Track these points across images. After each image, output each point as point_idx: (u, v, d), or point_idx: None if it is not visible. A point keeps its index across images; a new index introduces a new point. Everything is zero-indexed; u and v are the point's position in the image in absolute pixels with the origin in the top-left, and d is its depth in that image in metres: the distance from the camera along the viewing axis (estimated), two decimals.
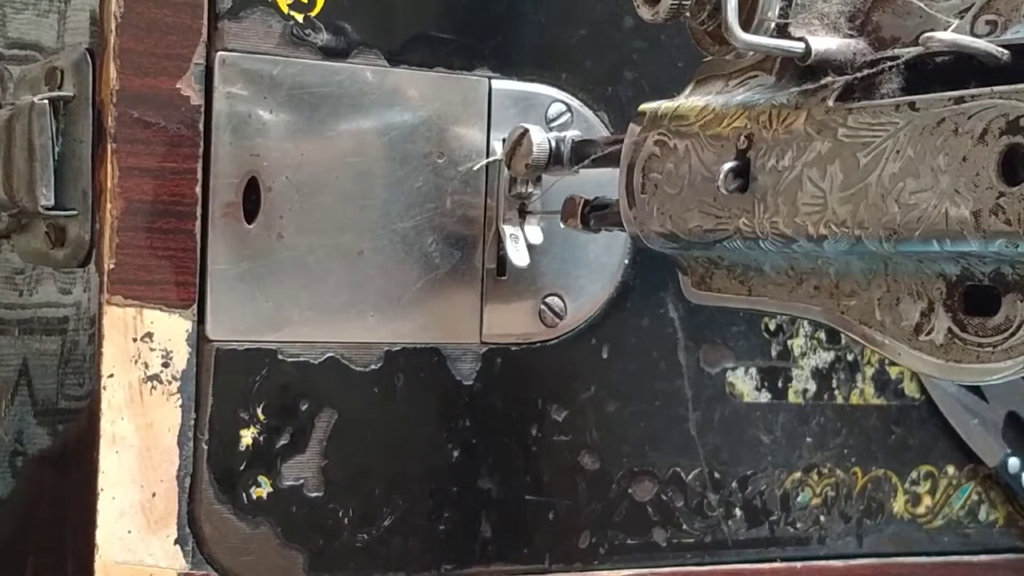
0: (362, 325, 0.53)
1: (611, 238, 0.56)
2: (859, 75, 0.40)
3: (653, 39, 0.57)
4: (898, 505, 0.65)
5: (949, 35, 0.37)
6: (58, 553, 0.53)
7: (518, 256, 0.53)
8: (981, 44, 0.36)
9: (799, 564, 0.62)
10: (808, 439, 0.62)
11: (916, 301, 0.38)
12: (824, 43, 0.40)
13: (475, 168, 0.54)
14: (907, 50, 0.39)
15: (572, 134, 0.52)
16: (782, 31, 0.40)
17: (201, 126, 0.50)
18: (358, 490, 0.54)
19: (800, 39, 0.40)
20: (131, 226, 0.49)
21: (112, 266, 0.49)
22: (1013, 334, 0.35)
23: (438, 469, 0.55)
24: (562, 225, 0.52)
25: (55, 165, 0.51)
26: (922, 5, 0.39)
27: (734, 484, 0.61)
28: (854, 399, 0.63)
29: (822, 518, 0.63)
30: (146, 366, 0.50)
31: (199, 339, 0.51)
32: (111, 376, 0.49)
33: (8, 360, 0.59)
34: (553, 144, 0.51)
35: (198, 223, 0.50)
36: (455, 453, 0.55)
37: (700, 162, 0.44)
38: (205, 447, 0.51)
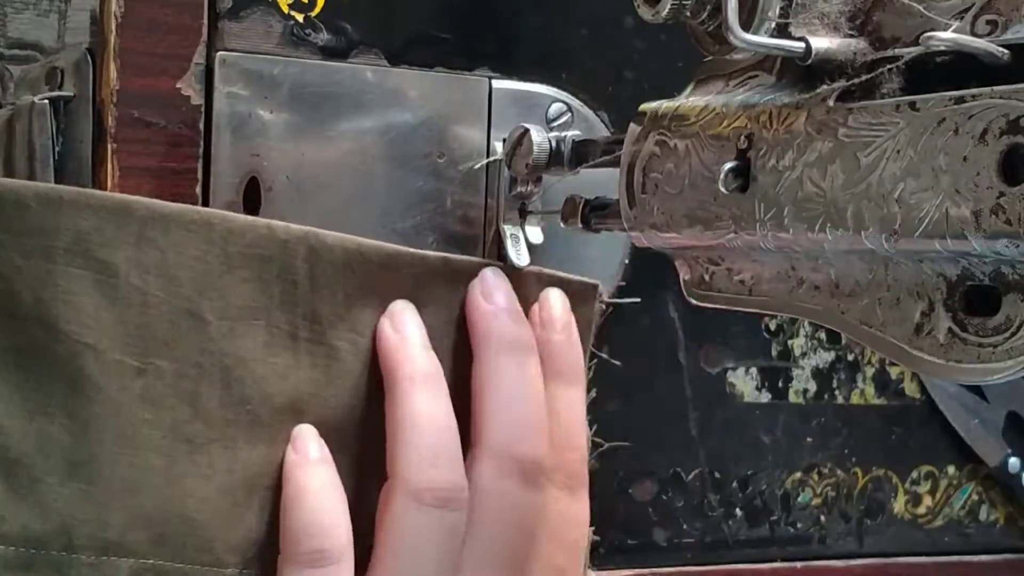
0: None
1: (611, 238, 0.56)
2: (860, 79, 0.40)
3: (653, 39, 0.57)
4: (898, 505, 0.65)
5: (950, 35, 0.37)
6: None
7: (518, 256, 0.53)
8: (981, 44, 0.36)
9: (799, 564, 0.62)
10: (808, 439, 0.62)
11: (916, 301, 0.38)
12: (824, 43, 0.40)
13: (475, 167, 0.54)
14: (907, 50, 0.39)
15: (573, 134, 0.52)
16: (782, 31, 0.40)
17: (201, 126, 0.50)
18: None
19: (800, 39, 0.40)
20: None
21: None
22: (1014, 334, 0.35)
23: None
24: (562, 225, 0.52)
25: (55, 165, 0.51)
26: (921, 9, 0.39)
27: (734, 484, 0.61)
28: (855, 399, 0.63)
29: (822, 518, 0.63)
30: None
31: None
32: None
33: None
34: (554, 144, 0.51)
35: None
36: None
37: (700, 162, 0.44)
38: None
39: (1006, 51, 0.36)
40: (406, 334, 0.49)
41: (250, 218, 0.48)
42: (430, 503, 0.48)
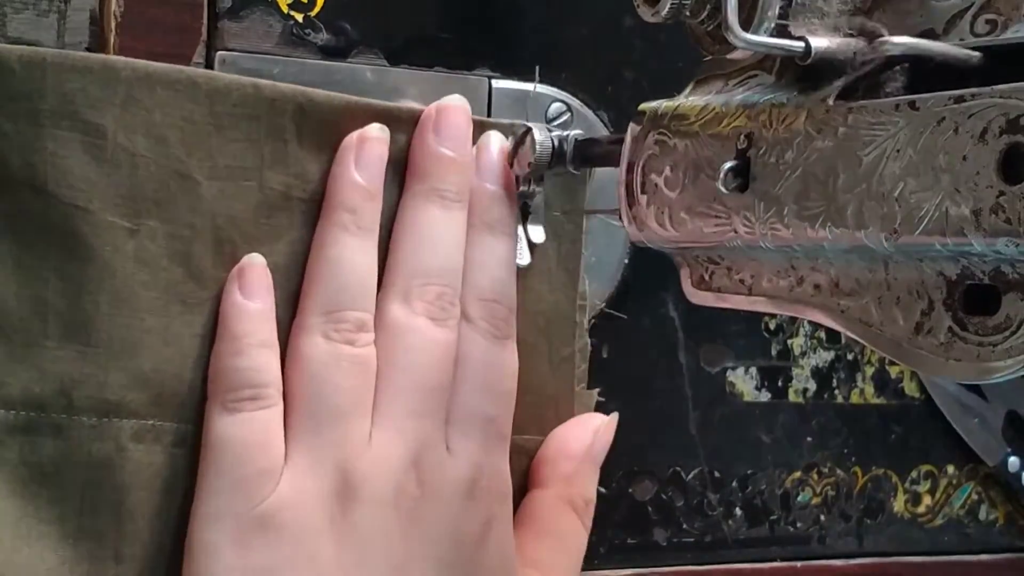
0: None
1: (611, 238, 0.56)
2: (857, 75, 0.40)
3: (653, 39, 0.57)
4: (898, 504, 0.65)
5: (907, 39, 0.37)
6: None
7: (520, 255, 0.53)
8: (940, 47, 0.37)
9: (799, 564, 0.62)
10: (808, 438, 0.62)
11: (916, 300, 0.38)
12: (824, 43, 0.40)
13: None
14: (874, 56, 0.39)
15: (574, 133, 0.52)
16: (782, 31, 0.41)
17: None
18: None
19: (800, 39, 0.40)
20: None
21: None
22: (1013, 333, 0.35)
23: None
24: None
25: None
26: (921, 9, 0.39)
27: (734, 484, 0.61)
28: (854, 398, 0.64)
29: (822, 517, 0.63)
30: None
31: None
32: None
33: None
34: (556, 143, 0.51)
35: None
36: None
37: (700, 161, 0.44)
38: None
39: (974, 53, 0.36)
40: (354, 176, 0.48)
41: (237, 77, 0.48)
42: (337, 339, 0.47)
